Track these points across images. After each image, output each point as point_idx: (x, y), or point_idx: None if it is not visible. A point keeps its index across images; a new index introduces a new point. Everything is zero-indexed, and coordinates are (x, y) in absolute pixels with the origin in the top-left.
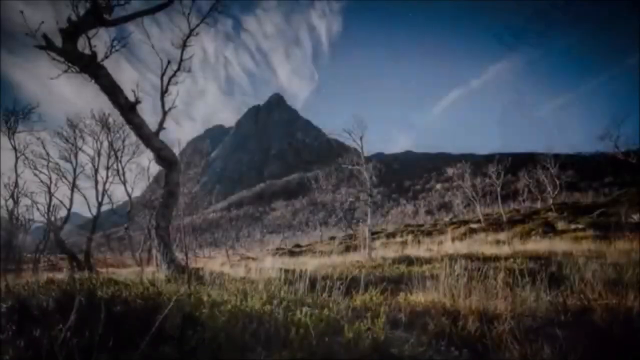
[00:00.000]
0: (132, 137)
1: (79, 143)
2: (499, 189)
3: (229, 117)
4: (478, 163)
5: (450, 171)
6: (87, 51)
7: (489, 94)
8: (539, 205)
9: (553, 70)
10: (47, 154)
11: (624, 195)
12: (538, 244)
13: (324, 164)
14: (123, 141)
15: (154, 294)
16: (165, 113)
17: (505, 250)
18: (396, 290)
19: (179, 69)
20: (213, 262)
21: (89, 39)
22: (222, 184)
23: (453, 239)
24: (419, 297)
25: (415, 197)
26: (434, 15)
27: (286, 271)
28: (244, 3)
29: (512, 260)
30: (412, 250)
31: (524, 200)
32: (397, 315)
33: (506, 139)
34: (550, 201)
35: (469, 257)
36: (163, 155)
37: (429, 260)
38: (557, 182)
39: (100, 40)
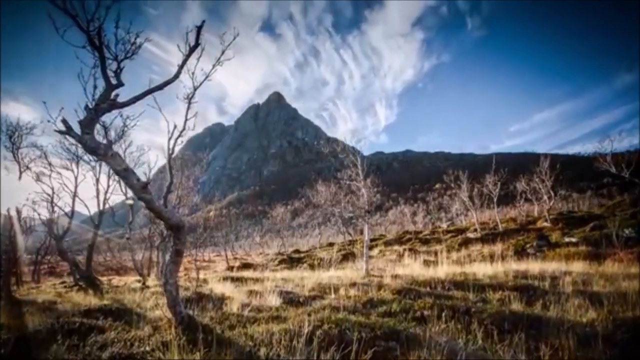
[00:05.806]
0: (133, 146)
1: (80, 152)
2: (495, 199)
3: None
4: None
5: (447, 178)
6: (102, 136)
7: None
8: (535, 211)
9: None
10: (50, 164)
11: (618, 205)
12: (530, 264)
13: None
14: (124, 151)
15: None
16: (172, 175)
17: (498, 270)
18: (386, 351)
19: (184, 128)
20: (214, 267)
21: (105, 128)
22: (221, 183)
23: (449, 249)
24: None
25: (415, 197)
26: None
27: (286, 296)
28: (331, 88)
29: (500, 292)
30: (407, 264)
31: (521, 206)
32: None
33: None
34: (547, 208)
35: (461, 285)
36: (171, 223)
37: (420, 293)
38: (552, 193)
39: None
